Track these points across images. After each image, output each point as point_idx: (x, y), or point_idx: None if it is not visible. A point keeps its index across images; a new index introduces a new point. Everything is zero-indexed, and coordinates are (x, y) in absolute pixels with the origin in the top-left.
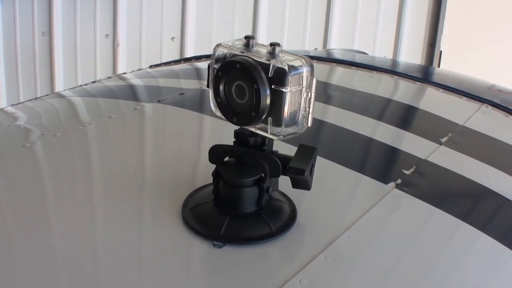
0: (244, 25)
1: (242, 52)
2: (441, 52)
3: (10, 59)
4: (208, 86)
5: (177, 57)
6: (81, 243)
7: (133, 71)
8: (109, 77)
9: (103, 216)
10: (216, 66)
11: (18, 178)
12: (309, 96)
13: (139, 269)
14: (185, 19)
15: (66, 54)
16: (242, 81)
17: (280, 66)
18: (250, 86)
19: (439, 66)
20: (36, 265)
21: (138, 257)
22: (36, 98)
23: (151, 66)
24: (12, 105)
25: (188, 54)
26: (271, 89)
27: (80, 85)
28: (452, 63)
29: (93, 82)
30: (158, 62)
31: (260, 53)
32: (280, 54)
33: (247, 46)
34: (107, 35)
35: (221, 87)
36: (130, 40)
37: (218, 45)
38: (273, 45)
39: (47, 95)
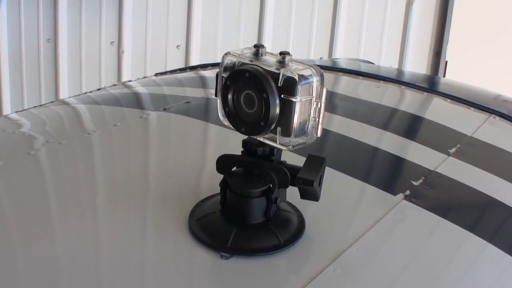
0: (250, 34)
1: (251, 61)
2: (446, 62)
3: (15, 66)
4: (216, 95)
5: (182, 65)
6: (86, 252)
7: (138, 78)
8: (114, 85)
9: (108, 225)
10: (224, 75)
11: (22, 185)
12: (319, 106)
13: (144, 280)
14: (191, 27)
15: (71, 61)
16: (251, 90)
17: (290, 75)
18: (259, 95)
19: (444, 76)
20: (39, 273)
21: (144, 267)
22: (41, 105)
23: (156, 74)
24: (16, 111)
25: (193, 62)
26: (280, 98)
27: (85, 93)
28: (457, 72)
29: (98, 89)
30: (163, 70)
31: (270, 62)
32: (290, 63)
33: (256, 54)
34: (112, 42)
35: (229, 96)
36: (135, 47)
37: (227, 54)
38: (283, 54)
39: (51, 102)
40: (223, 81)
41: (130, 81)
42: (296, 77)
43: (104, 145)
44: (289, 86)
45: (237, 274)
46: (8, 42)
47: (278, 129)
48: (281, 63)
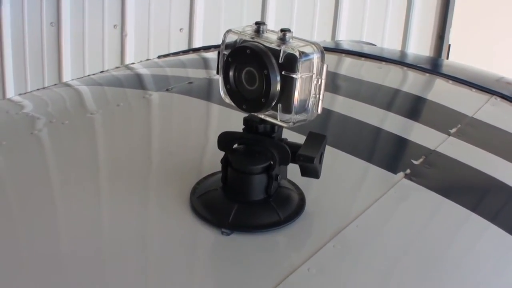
0: (253, 17)
1: (253, 38)
2: (449, 45)
3: (18, 49)
4: (217, 73)
5: (185, 48)
6: (89, 230)
7: (141, 61)
8: (117, 67)
9: (111, 203)
10: (226, 52)
11: (25, 164)
12: (319, 82)
13: (146, 256)
14: (194, 10)
15: (74, 45)
16: (252, 67)
17: (291, 52)
18: (260, 72)
19: (447, 59)
20: (43, 250)
21: (146, 244)
22: (44, 88)
23: (159, 57)
24: (20, 94)
25: (196, 45)
26: (281, 75)
27: (88, 75)
28: (461, 55)
29: (101, 72)
30: (166, 53)
31: (271, 39)
32: (291, 40)
33: (258, 32)
34: (115, 25)
35: (231, 73)
36: (138, 30)
37: (228, 31)
38: (284, 31)
39: (54, 84)
40: (225, 58)
41: (133, 63)
42: (297, 54)
43: (107, 125)
44: (290, 63)
45: (238, 250)
46: (11, 26)
47: (279, 106)
48: (282, 40)
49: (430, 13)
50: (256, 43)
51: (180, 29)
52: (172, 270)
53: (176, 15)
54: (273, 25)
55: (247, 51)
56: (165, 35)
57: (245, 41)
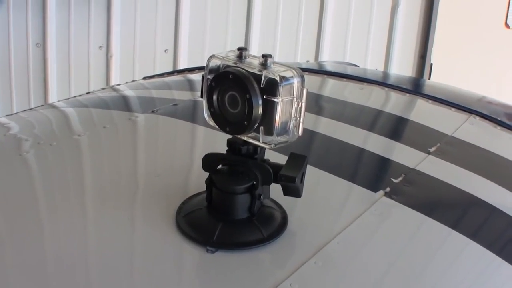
0: (237, 38)
1: (235, 63)
2: (431, 64)
3: (3, 70)
4: (202, 96)
5: (170, 69)
6: (76, 250)
7: (126, 82)
8: (103, 89)
9: (98, 223)
10: (210, 77)
11: (14, 185)
12: (299, 106)
13: (133, 275)
14: (178, 32)
15: (59, 66)
16: (235, 91)
17: (272, 76)
18: (243, 96)
19: (429, 78)
20: (30, 272)
21: (133, 262)
22: (30, 109)
23: (144, 78)
24: (6, 115)
25: (181, 66)
26: (263, 99)
27: (74, 96)
28: (443, 75)
29: (87, 93)
30: (151, 74)
31: (253, 64)
32: (272, 65)
33: (240, 57)
34: (100, 46)
35: (214, 97)
36: (124, 51)
37: (211, 56)
38: (265, 56)
39: (41, 106)
40: (208, 82)
41: (118, 84)
42: (278, 79)
43: (94, 147)
44: (271, 87)
45: (223, 267)
46: None
47: (261, 128)
48: (264, 65)
49: (412, 33)
50: (239, 68)
51: (165, 50)
52: (159, 287)
53: (161, 36)
54: (257, 45)
55: (230, 76)
56: (150, 56)
57: (228, 66)
